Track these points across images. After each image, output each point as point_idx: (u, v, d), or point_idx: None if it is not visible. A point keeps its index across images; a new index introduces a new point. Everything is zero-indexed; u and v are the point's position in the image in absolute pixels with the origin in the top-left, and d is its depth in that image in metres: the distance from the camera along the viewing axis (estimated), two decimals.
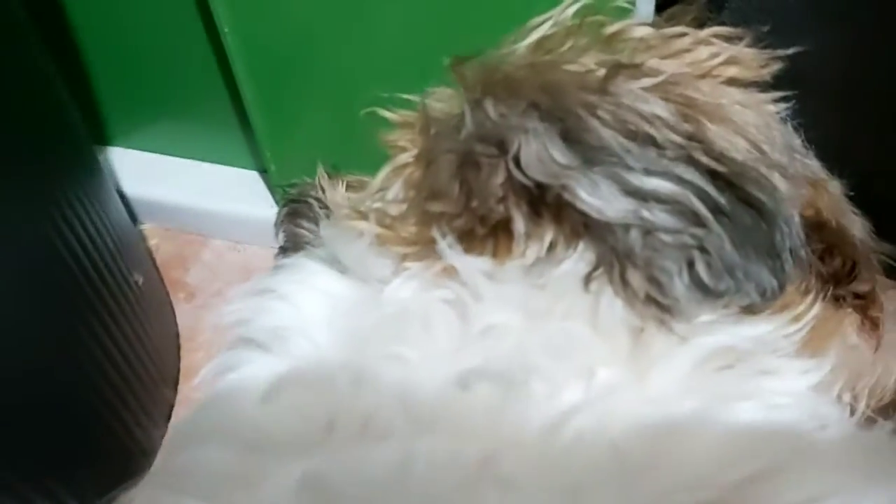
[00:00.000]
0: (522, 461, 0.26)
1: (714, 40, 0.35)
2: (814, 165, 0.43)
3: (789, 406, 0.30)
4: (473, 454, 0.25)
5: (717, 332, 0.29)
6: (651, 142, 0.30)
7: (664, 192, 0.29)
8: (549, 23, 0.33)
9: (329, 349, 0.33)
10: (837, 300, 0.39)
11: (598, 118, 0.29)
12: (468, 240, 0.32)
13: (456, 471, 0.25)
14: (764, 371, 0.31)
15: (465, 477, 0.25)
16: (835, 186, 0.44)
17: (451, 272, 0.32)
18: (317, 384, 0.29)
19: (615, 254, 0.29)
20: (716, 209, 0.29)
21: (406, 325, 0.31)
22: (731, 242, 0.27)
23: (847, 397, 0.38)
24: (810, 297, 0.33)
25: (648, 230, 0.29)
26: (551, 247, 0.32)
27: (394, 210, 0.36)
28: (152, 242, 0.99)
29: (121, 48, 0.91)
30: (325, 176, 0.46)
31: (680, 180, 0.29)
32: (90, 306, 0.57)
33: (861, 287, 0.42)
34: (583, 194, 0.29)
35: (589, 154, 0.30)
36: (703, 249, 0.27)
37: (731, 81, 0.36)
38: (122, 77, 0.96)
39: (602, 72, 0.30)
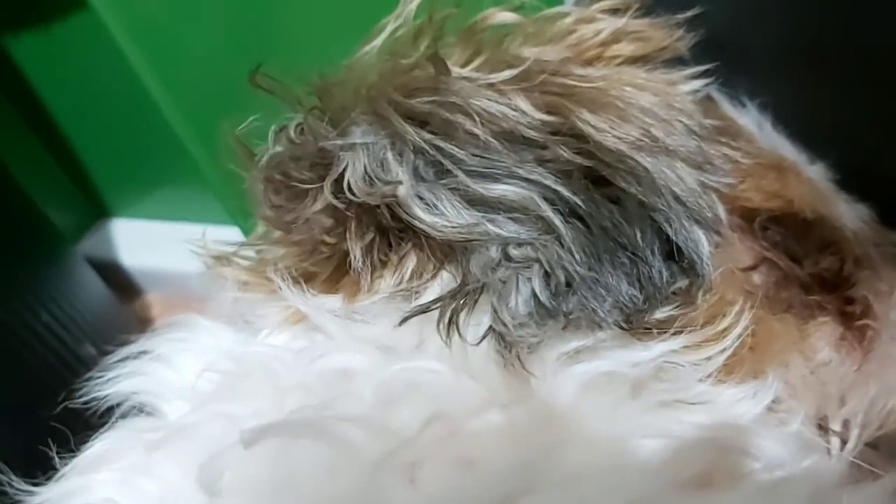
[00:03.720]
0: None
1: (599, 16, 0.33)
2: (778, 148, 0.39)
3: (709, 440, 0.27)
4: None
5: (596, 359, 0.26)
6: (498, 141, 0.28)
7: (511, 198, 0.27)
8: (394, 24, 0.32)
9: (184, 413, 0.32)
10: (810, 307, 0.35)
11: (429, 123, 0.28)
12: (312, 277, 0.30)
13: None
14: (679, 400, 0.28)
15: None
16: (814, 171, 0.40)
17: (303, 315, 0.31)
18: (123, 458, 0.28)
19: (465, 278, 0.27)
20: (570, 211, 0.26)
21: (248, 380, 0.30)
22: (581, 250, 0.25)
23: (835, 425, 0.33)
24: (736, 309, 0.29)
25: (504, 245, 0.27)
26: (415, 275, 0.30)
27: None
28: (154, 312, 1.03)
29: (107, 125, 0.97)
30: None
31: (527, 182, 0.27)
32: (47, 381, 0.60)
33: (858, 291, 0.37)
34: (418, 211, 0.27)
35: (426, 165, 0.28)
36: (542, 262, 0.25)
37: (632, 60, 0.34)
38: (112, 153, 1.02)
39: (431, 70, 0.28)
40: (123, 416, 0.37)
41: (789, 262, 0.36)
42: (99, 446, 0.33)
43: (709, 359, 0.28)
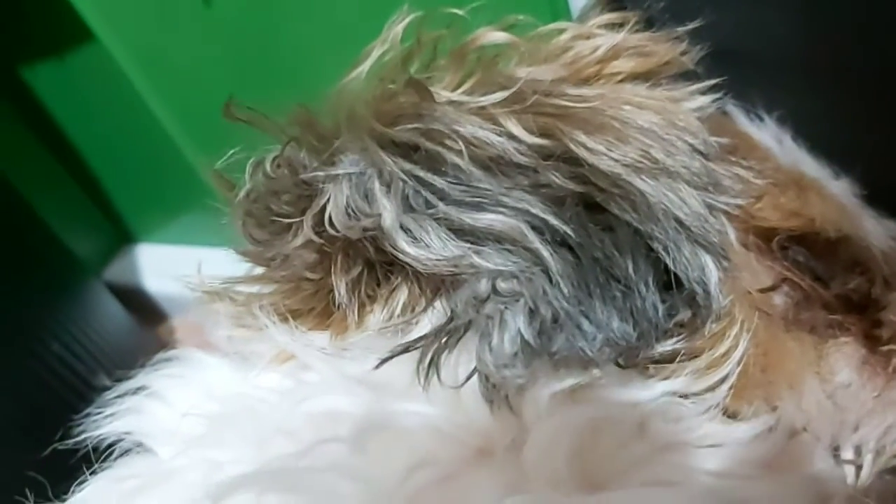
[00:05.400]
0: None
1: (596, 31, 0.32)
2: (798, 163, 0.37)
3: (716, 491, 0.25)
4: None
5: (592, 399, 0.25)
6: (486, 168, 0.27)
7: (499, 228, 0.25)
8: (381, 48, 0.31)
9: (174, 455, 0.31)
10: (832, 327, 0.32)
11: (413, 151, 0.26)
12: (300, 314, 0.29)
13: None
14: (687, 443, 0.26)
15: None
16: (838, 187, 0.38)
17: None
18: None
19: (452, 314, 0.26)
20: (560, 241, 0.25)
21: (233, 423, 0.29)
22: (570, 283, 0.23)
23: (847, 452, 0.31)
24: (735, 330, 0.27)
25: (493, 277, 0.26)
26: (406, 309, 0.29)
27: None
28: (177, 337, 1.03)
29: (129, 151, 0.99)
30: None
31: (515, 211, 0.25)
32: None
33: (886, 315, 0.35)
34: (403, 244, 0.26)
35: (416, 194, 0.27)
36: (526, 298, 0.23)
37: (634, 77, 0.32)
38: (136, 178, 1.03)
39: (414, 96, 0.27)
40: (121, 454, 0.37)
41: (812, 283, 0.34)
42: (82, 495, 0.32)
43: (712, 388, 0.27)
